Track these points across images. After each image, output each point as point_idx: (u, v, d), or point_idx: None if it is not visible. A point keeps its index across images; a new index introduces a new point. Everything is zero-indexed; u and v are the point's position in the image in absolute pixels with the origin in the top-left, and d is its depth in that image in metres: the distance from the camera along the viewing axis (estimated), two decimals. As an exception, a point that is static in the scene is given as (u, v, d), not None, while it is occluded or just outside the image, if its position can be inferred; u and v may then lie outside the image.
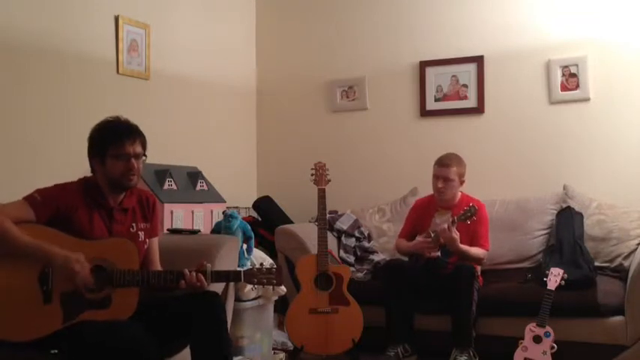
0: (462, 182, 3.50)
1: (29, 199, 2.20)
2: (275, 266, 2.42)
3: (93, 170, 2.37)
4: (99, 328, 2.07)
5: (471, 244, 3.39)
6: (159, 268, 2.46)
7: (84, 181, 2.37)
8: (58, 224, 2.21)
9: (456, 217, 3.30)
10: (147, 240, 2.44)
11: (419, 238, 3.47)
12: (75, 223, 2.23)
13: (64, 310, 2.12)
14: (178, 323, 2.26)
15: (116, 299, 2.18)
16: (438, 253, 3.43)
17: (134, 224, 2.40)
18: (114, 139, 2.29)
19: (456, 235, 3.27)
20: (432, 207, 3.60)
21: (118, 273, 2.19)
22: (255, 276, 2.36)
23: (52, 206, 2.21)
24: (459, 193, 3.55)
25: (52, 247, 2.13)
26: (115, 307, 2.17)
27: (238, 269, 2.47)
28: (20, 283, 2.11)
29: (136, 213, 2.43)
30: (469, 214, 3.25)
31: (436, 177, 3.48)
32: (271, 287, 3.10)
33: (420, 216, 3.64)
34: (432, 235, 3.39)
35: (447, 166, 3.44)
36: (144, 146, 2.37)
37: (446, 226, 3.28)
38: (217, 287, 2.63)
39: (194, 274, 2.26)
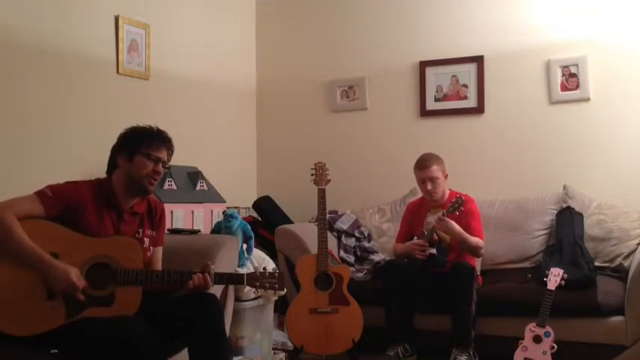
0: (445, 177, 3.52)
1: (40, 194, 2.21)
2: (278, 271, 2.42)
3: (111, 168, 2.38)
4: (101, 323, 2.07)
5: None
6: None
7: (97, 181, 2.38)
8: (68, 221, 2.21)
9: (444, 211, 3.32)
10: (151, 247, 2.45)
11: (415, 240, 3.49)
12: (84, 221, 2.24)
13: (67, 306, 2.12)
14: (178, 326, 2.26)
15: (119, 297, 2.18)
16: (434, 251, 3.43)
17: (141, 230, 2.42)
18: (150, 139, 2.36)
19: (451, 221, 3.30)
20: (424, 207, 3.62)
21: (122, 271, 2.20)
22: (257, 280, 2.37)
23: (62, 202, 2.22)
24: (447, 190, 3.56)
25: (52, 260, 2.11)
26: (118, 305, 2.17)
27: (241, 272, 2.47)
28: (25, 278, 2.11)
29: (144, 220, 2.44)
30: (456, 206, 3.28)
31: (422, 180, 3.49)
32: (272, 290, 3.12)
33: (414, 218, 3.65)
34: (426, 233, 3.40)
35: (428, 167, 3.46)
36: (170, 159, 2.44)
37: (436, 219, 3.32)
38: (217, 287, 2.63)
39: (200, 275, 2.29)
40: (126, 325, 2.06)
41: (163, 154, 2.38)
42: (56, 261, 2.12)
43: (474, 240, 3.39)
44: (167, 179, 3.51)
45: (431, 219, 3.50)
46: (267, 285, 2.37)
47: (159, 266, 2.48)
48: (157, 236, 2.48)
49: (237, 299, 3.00)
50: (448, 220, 3.31)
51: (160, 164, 2.36)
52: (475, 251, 3.43)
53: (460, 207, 3.28)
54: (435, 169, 3.46)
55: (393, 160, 4.44)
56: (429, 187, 3.46)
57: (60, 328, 2.10)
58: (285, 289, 3.26)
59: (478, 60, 4.23)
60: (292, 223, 4.17)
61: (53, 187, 2.25)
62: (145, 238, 2.42)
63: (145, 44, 3.73)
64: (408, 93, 4.45)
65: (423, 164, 3.49)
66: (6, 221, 2.09)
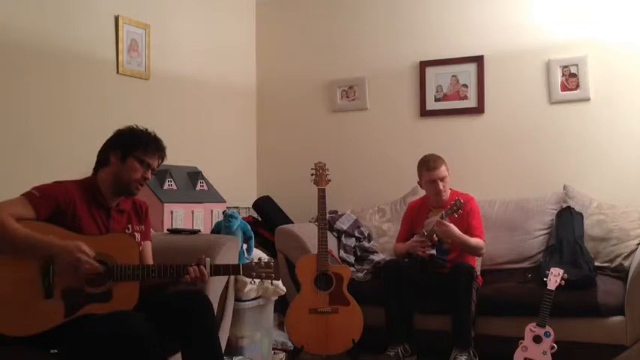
0: (449, 175, 3.52)
1: (28, 196, 2.20)
2: (273, 261, 2.44)
3: (101, 164, 2.38)
4: (100, 320, 2.07)
5: None
6: None
7: (83, 180, 2.38)
8: (58, 221, 2.21)
9: (443, 213, 3.31)
10: (141, 243, 2.48)
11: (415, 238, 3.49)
12: (74, 219, 2.24)
13: (65, 304, 2.13)
14: (173, 322, 2.26)
15: (116, 293, 2.19)
16: (433, 251, 3.44)
17: (130, 226, 2.44)
18: (147, 144, 2.36)
19: (451, 224, 3.29)
20: (425, 208, 3.62)
21: (119, 267, 2.21)
22: (253, 269, 2.38)
23: (51, 202, 2.22)
24: (449, 190, 3.56)
25: (52, 239, 2.13)
26: (116, 301, 2.18)
27: (237, 264, 2.49)
28: (21, 278, 2.12)
29: (131, 216, 2.46)
30: (455, 208, 3.27)
31: (433, 181, 3.48)
32: (271, 286, 3.13)
33: (415, 218, 3.65)
34: (425, 234, 3.40)
35: (438, 168, 3.47)
36: (159, 166, 2.46)
37: (435, 221, 3.31)
38: (217, 287, 2.64)
39: (196, 267, 2.30)
40: (126, 320, 2.06)
41: (155, 162, 2.39)
42: (58, 240, 2.13)
43: (474, 241, 3.39)
44: (167, 179, 3.51)
45: (429, 220, 3.50)
46: (264, 274, 2.38)
47: (150, 261, 2.50)
48: (145, 231, 2.51)
49: (237, 299, 3.00)
50: (448, 223, 3.30)
51: (150, 171, 2.38)
52: (476, 252, 3.44)
53: (459, 209, 3.27)
54: (444, 169, 3.49)
55: (393, 160, 4.44)
56: (441, 186, 3.46)
57: (59, 327, 2.10)
58: (284, 287, 3.28)
59: (478, 60, 4.23)
60: (292, 223, 4.17)
61: (40, 188, 2.24)
62: (135, 233, 2.44)
63: (145, 44, 3.73)
64: (408, 93, 4.45)
65: (434, 165, 3.48)
66: (2, 219, 2.09)
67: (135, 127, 2.41)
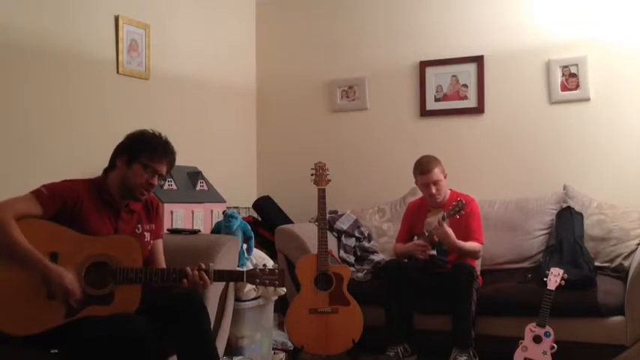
0: (445, 177, 3.50)
1: (36, 193, 2.21)
2: (278, 268, 2.42)
3: (109, 168, 2.38)
4: (100, 322, 2.07)
5: (465, 239, 3.39)
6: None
7: (93, 180, 2.38)
8: (66, 219, 2.21)
9: (445, 214, 3.31)
10: (151, 241, 2.46)
11: (415, 241, 3.49)
12: (81, 218, 2.24)
13: (66, 305, 2.13)
14: (172, 326, 2.26)
15: (118, 296, 2.19)
16: (434, 252, 3.44)
17: (140, 225, 2.43)
18: (153, 150, 2.34)
19: (449, 229, 3.28)
20: (424, 208, 3.61)
21: (121, 270, 2.20)
22: (257, 276, 2.37)
23: (59, 200, 2.22)
24: (448, 191, 3.55)
25: (49, 263, 2.11)
26: (118, 304, 2.18)
27: (241, 269, 2.48)
28: (25, 277, 2.11)
29: (141, 215, 2.45)
30: (457, 209, 3.27)
31: (426, 185, 3.45)
32: (272, 287, 3.13)
33: (414, 218, 3.65)
34: (426, 234, 3.40)
35: (430, 171, 3.43)
36: (169, 171, 2.45)
37: (437, 222, 3.31)
38: (217, 287, 2.63)
39: (197, 272, 2.28)
40: (126, 323, 2.06)
41: (162, 168, 2.37)
42: (52, 265, 2.12)
43: (469, 246, 3.38)
44: (167, 179, 3.51)
45: (431, 219, 3.49)
46: (267, 282, 2.37)
47: (162, 259, 2.49)
48: (155, 229, 2.49)
49: (237, 299, 3.00)
50: (446, 227, 3.29)
51: (157, 177, 2.36)
52: (472, 255, 3.43)
53: (461, 211, 3.27)
54: (437, 172, 3.44)
55: (393, 160, 4.44)
56: (434, 190, 3.44)
57: (60, 328, 2.10)
58: (285, 289, 3.29)
59: (478, 60, 4.22)
60: (292, 223, 4.17)
61: (48, 186, 2.25)
62: (145, 233, 2.43)
63: (145, 44, 3.73)
64: (408, 93, 4.45)
65: (425, 168, 3.44)
66: (4, 223, 2.09)
67: (146, 131, 2.39)
